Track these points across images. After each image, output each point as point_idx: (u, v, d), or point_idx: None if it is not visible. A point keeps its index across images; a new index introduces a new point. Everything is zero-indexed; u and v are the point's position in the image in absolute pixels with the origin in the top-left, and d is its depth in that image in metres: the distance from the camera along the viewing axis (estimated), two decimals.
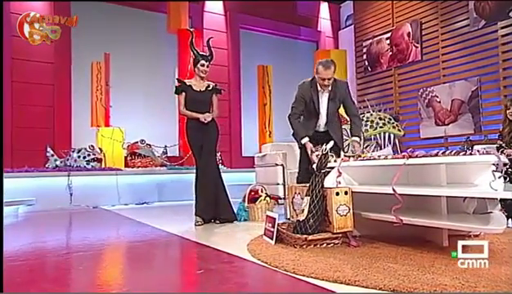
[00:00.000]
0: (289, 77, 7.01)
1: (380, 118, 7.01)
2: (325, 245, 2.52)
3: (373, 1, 8.70)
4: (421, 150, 2.56)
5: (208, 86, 3.95)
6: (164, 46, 7.77)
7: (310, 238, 2.48)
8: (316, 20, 9.62)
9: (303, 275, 1.91)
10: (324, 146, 2.66)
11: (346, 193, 2.54)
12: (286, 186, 4.16)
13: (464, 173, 2.53)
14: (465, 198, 2.41)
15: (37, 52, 6.68)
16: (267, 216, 2.87)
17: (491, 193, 1.94)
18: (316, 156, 3.13)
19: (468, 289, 1.61)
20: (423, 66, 7.67)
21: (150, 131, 7.20)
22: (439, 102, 7.29)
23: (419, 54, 7.68)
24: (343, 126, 6.53)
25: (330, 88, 3.32)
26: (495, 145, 3.73)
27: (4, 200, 4.94)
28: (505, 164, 2.00)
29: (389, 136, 7.05)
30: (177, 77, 6.87)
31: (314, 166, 3.25)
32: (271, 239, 2.67)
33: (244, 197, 4.06)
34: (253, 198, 4.06)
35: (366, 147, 6.58)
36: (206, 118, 3.78)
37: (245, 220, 3.94)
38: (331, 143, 2.73)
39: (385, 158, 2.63)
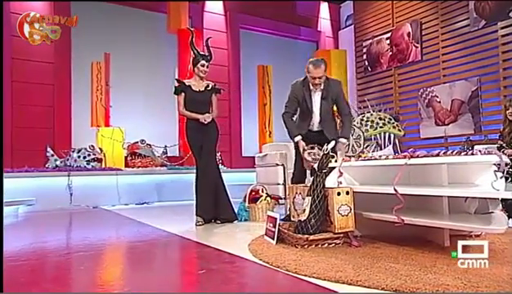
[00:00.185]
0: (290, 78, 6.93)
1: (380, 118, 7.00)
2: (326, 245, 2.52)
3: (373, 1, 8.70)
4: (422, 150, 2.56)
5: (208, 86, 3.94)
6: (164, 46, 7.77)
7: (311, 238, 2.48)
8: (316, 20, 9.62)
9: (305, 275, 1.90)
10: (325, 146, 2.66)
11: (347, 193, 2.54)
12: (287, 186, 4.16)
13: (465, 173, 2.53)
14: (467, 198, 2.41)
15: (37, 52, 6.67)
16: (269, 216, 2.87)
17: (493, 194, 1.94)
18: (308, 154, 3.14)
19: (470, 289, 1.61)
20: (423, 66, 7.67)
21: (150, 131, 7.20)
22: (439, 102, 7.29)
23: (420, 54, 7.68)
24: None
25: (322, 87, 3.32)
26: (495, 145, 3.74)
27: (4, 200, 4.94)
28: (506, 164, 2.00)
29: (389, 136, 7.05)
30: (176, 77, 6.87)
31: (305, 165, 3.27)
32: (273, 239, 2.66)
33: (245, 197, 4.06)
34: (254, 198, 4.05)
35: (367, 147, 6.57)
36: (206, 118, 3.78)
37: (246, 220, 3.94)
38: (332, 143, 2.73)
39: (386, 158, 2.63)
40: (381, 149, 6.62)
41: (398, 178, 2.30)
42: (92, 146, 6.44)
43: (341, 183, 2.65)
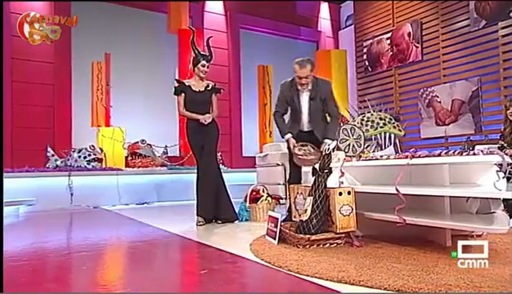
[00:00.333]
0: (290, 78, 7.00)
1: (381, 118, 6.99)
2: (328, 245, 2.52)
3: (373, 1, 8.70)
4: (423, 150, 2.56)
5: (208, 85, 3.94)
6: (165, 46, 7.77)
7: (313, 238, 2.48)
8: (316, 20, 9.62)
9: (307, 275, 1.90)
10: (327, 146, 2.66)
11: (349, 193, 2.54)
12: (287, 186, 4.15)
13: (467, 173, 2.53)
14: (468, 198, 2.41)
15: (37, 52, 6.67)
16: (270, 216, 2.87)
17: (496, 194, 1.94)
18: (299, 149, 3.15)
19: (473, 289, 1.61)
20: (423, 66, 7.67)
21: (151, 131, 7.19)
22: (440, 102, 7.29)
23: (420, 54, 7.69)
24: (343, 127, 6.57)
25: (310, 87, 3.31)
26: (496, 145, 3.74)
27: (4, 200, 4.94)
28: (508, 164, 2.00)
29: (390, 136, 7.04)
30: (176, 77, 6.86)
31: (295, 160, 3.26)
32: (274, 239, 2.66)
33: (246, 197, 4.06)
34: (255, 198, 4.05)
35: (367, 147, 6.57)
36: (206, 119, 3.78)
37: (247, 220, 3.94)
38: (334, 143, 2.73)
39: (388, 158, 2.63)
40: (381, 149, 6.62)
41: (400, 178, 2.30)
42: (93, 146, 6.43)
43: (342, 183, 2.66)
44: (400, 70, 8.12)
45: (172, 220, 4.28)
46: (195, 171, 3.88)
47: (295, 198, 3.03)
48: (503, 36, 6.47)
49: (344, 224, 2.51)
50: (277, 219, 2.72)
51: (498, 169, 2.09)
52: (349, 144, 6.28)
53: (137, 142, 6.75)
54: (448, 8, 7.28)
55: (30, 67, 6.65)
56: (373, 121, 7.03)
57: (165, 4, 7.47)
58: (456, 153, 2.18)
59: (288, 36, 9.22)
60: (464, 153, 2.19)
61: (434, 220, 2.28)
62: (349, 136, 6.26)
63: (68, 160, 6.21)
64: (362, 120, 6.87)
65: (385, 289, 1.67)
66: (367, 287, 1.71)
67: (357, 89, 8.96)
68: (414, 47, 7.80)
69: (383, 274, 1.83)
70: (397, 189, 2.29)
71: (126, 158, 6.72)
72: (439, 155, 2.24)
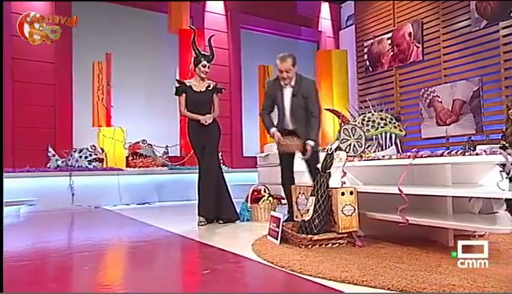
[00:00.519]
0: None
1: (382, 118, 6.97)
2: (330, 245, 2.52)
3: (374, 1, 8.69)
4: (425, 150, 2.56)
5: (209, 86, 3.94)
6: (165, 46, 7.77)
7: (315, 238, 2.48)
8: (316, 20, 9.62)
9: (310, 275, 1.90)
10: (329, 146, 2.66)
11: (351, 193, 2.54)
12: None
13: (469, 173, 2.54)
14: (471, 198, 2.40)
15: (38, 52, 6.67)
16: (272, 216, 2.87)
17: (499, 194, 1.93)
18: (285, 138, 3.25)
19: (476, 289, 1.61)
20: (424, 66, 7.67)
21: (152, 131, 7.19)
22: (440, 102, 7.29)
23: (421, 54, 7.68)
24: (343, 127, 6.55)
25: (293, 84, 3.33)
26: (498, 145, 3.73)
27: (5, 200, 4.93)
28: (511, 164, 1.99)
29: (391, 136, 7.04)
30: (177, 77, 6.86)
31: (280, 147, 3.30)
32: (276, 239, 2.66)
33: (247, 197, 4.06)
34: (256, 198, 4.05)
35: (368, 147, 6.56)
36: (206, 120, 3.78)
37: (248, 220, 3.94)
38: (337, 143, 2.73)
39: (390, 158, 2.63)
40: (382, 149, 6.62)
41: (403, 178, 2.30)
42: (94, 146, 6.43)
43: (345, 183, 2.66)
44: (401, 70, 8.12)
45: (174, 220, 4.27)
46: (196, 171, 3.88)
47: (297, 198, 3.03)
48: (504, 36, 6.47)
49: (347, 224, 2.51)
50: (279, 219, 2.72)
51: (501, 169, 2.09)
52: (350, 144, 6.28)
53: (138, 142, 6.75)
54: (449, 8, 7.28)
55: (31, 67, 6.65)
56: (374, 121, 7.01)
57: (166, 4, 7.47)
58: (459, 153, 2.18)
59: (288, 36, 9.22)
60: (467, 154, 2.19)
61: (437, 220, 2.28)
62: (350, 136, 6.26)
63: (69, 160, 6.21)
64: (363, 120, 6.85)
65: (389, 289, 1.67)
66: (371, 286, 1.71)
67: (358, 89, 8.96)
68: (415, 47, 7.79)
69: (386, 274, 1.83)
70: (399, 189, 2.29)
71: (127, 158, 6.72)
72: (442, 155, 2.24)
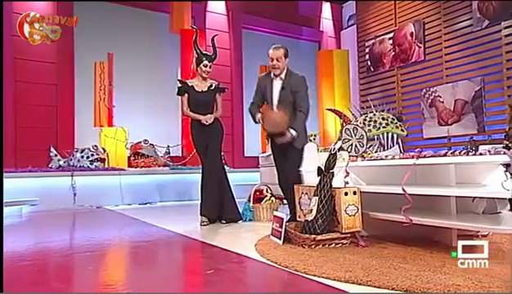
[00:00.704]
0: None
1: (383, 118, 6.98)
2: (333, 245, 2.51)
3: (375, 1, 8.69)
4: (428, 150, 2.56)
5: (211, 85, 3.94)
6: (167, 46, 7.77)
7: (319, 238, 2.47)
8: (318, 20, 9.61)
9: (314, 275, 1.90)
10: (332, 145, 2.66)
11: (354, 193, 2.54)
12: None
13: (472, 173, 2.53)
14: (474, 198, 2.40)
15: (40, 52, 6.68)
16: (275, 215, 2.87)
17: (504, 194, 1.93)
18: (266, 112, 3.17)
19: (481, 289, 1.61)
20: (426, 66, 7.66)
21: (153, 131, 7.19)
22: (442, 102, 7.28)
23: (422, 54, 7.67)
24: (345, 126, 6.55)
25: (283, 77, 3.33)
26: (501, 145, 3.72)
27: (8, 200, 4.95)
28: None
29: (392, 136, 7.03)
30: (179, 77, 6.87)
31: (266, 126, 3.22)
32: (279, 239, 2.66)
33: (250, 197, 4.06)
34: (259, 198, 4.05)
35: (369, 147, 6.57)
36: (207, 120, 3.78)
37: (250, 220, 3.94)
38: (340, 143, 2.73)
39: (393, 158, 2.63)
40: (384, 149, 6.61)
41: (406, 178, 2.30)
42: (96, 146, 6.43)
43: (348, 183, 2.65)
44: (402, 70, 8.11)
45: (176, 220, 4.27)
46: (198, 170, 3.88)
47: (300, 198, 3.03)
48: (506, 36, 6.45)
49: (350, 224, 2.51)
50: (282, 219, 2.71)
51: (505, 169, 2.08)
52: (352, 144, 6.28)
53: (140, 142, 6.75)
54: (451, 8, 7.26)
55: (33, 67, 6.66)
56: (375, 121, 7.02)
57: (167, 4, 7.47)
58: (463, 153, 2.17)
59: (290, 36, 9.21)
60: (471, 153, 2.18)
61: (441, 220, 2.27)
62: (352, 136, 6.26)
63: (71, 160, 6.22)
64: (365, 120, 6.86)
65: (393, 289, 1.67)
66: (375, 287, 1.71)
67: (360, 89, 8.95)
68: (416, 47, 7.78)
69: (390, 274, 1.83)
70: (403, 189, 2.28)
71: (128, 157, 6.72)
72: (445, 155, 2.24)
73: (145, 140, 6.76)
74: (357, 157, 2.92)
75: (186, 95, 3.87)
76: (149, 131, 7.12)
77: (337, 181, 2.69)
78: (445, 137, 7.21)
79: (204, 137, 3.82)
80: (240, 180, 6.06)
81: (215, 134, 3.86)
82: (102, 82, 6.78)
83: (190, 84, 3.91)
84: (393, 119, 7.13)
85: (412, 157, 2.38)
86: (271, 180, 4.57)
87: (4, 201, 4.75)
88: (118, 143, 6.64)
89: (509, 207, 2.42)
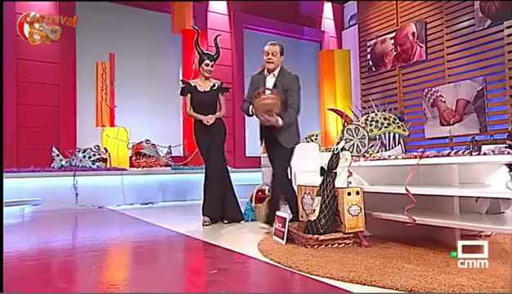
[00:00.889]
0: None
1: (385, 118, 6.98)
2: (336, 245, 2.51)
3: (377, 1, 8.68)
4: (431, 150, 2.55)
5: (214, 85, 3.94)
6: (169, 46, 7.77)
7: (322, 238, 2.47)
8: (319, 20, 9.61)
9: (318, 275, 1.90)
10: (335, 145, 2.66)
11: (358, 193, 2.54)
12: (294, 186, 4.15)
13: (474, 173, 2.53)
14: (478, 198, 2.40)
15: (42, 52, 6.69)
16: (277, 215, 2.87)
17: (508, 194, 1.93)
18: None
19: (486, 289, 1.61)
20: (428, 66, 7.65)
21: (155, 131, 7.20)
22: (444, 102, 7.27)
23: (424, 54, 7.66)
24: (347, 126, 6.55)
25: (276, 74, 3.32)
26: (504, 145, 3.72)
27: (10, 200, 4.96)
28: None
29: (394, 136, 7.03)
30: (181, 78, 6.87)
31: (258, 112, 3.08)
32: (282, 239, 2.66)
33: (252, 197, 4.06)
34: (261, 198, 4.05)
35: (371, 147, 6.57)
36: (209, 120, 3.79)
37: (253, 220, 3.94)
38: (343, 143, 2.72)
39: (396, 158, 2.63)
40: (386, 150, 6.61)
41: (410, 178, 2.30)
42: (97, 146, 6.44)
43: (351, 183, 2.65)
44: (404, 70, 8.10)
45: (178, 220, 4.28)
46: (199, 171, 3.90)
47: (302, 197, 3.03)
48: (508, 35, 6.44)
49: (353, 224, 2.51)
50: (285, 219, 2.71)
51: (509, 169, 2.08)
52: (353, 144, 6.28)
53: (142, 142, 6.75)
54: (453, 8, 7.25)
55: (35, 67, 6.66)
56: (377, 121, 7.02)
57: (169, 4, 7.47)
58: (466, 153, 2.17)
59: (291, 36, 9.21)
60: (474, 153, 2.18)
61: (444, 220, 2.27)
62: (353, 136, 6.26)
63: (73, 160, 6.22)
64: (366, 120, 6.86)
65: (397, 289, 1.67)
66: (379, 287, 1.71)
67: (361, 89, 8.94)
68: (418, 47, 7.77)
69: (394, 274, 1.83)
70: (406, 189, 2.28)
71: (130, 157, 6.72)
72: (448, 155, 2.24)
73: (147, 140, 6.76)
74: (358, 157, 2.92)
75: (189, 95, 3.87)
76: (150, 131, 7.12)
77: (340, 181, 2.69)
78: (447, 137, 7.21)
79: (206, 137, 3.82)
80: (241, 180, 6.05)
81: (218, 134, 3.87)
82: (104, 82, 6.79)
83: (193, 84, 3.92)
84: (395, 119, 7.12)
85: (415, 157, 2.37)
86: None
87: (6, 201, 4.78)
88: (120, 143, 6.64)
89: None
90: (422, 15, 7.75)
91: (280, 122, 3.13)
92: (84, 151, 6.28)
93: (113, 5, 7.43)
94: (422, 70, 7.75)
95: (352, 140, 6.25)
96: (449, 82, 7.23)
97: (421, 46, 7.72)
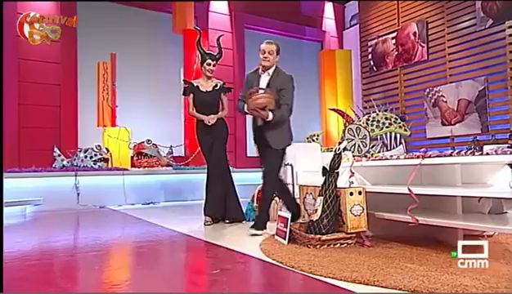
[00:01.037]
0: (294, 77, 6.99)
1: (386, 118, 6.98)
2: (338, 245, 2.51)
3: (378, 0, 8.67)
4: (433, 150, 2.55)
5: (216, 85, 3.94)
6: (170, 46, 7.78)
7: (324, 238, 2.47)
8: (320, 20, 9.60)
9: (320, 275, 1.90)
10: (337, 146, 2.65)
11: (360, 193, 2.54)
12: (296, 186, 4.15)
13: (476, 173, 2.52)
14: (480, 198, 2.39)
15: (43, 52, 6.69)
16: (280, 215, 2.86)
17: (510, 194, 1.92)
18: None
19: (489, 290, 1.60)
20: (429, 66, 7.65)
21: (156, 131, 7.20)
22: (446, 102, 7.26)
23: (426, 53, 7.66)
24: (348, 126, 6.53)
25: (270, 73, 3.31)
26: (506, 145, 3.72)
27: (12, 200, 4.96)
28: None
29: (395, 136, 7.02)
30: (183, 78, 6.87)
31: (251, 106, 3.05)
32: (284, 239, 2.66)
33: (253, 197, 4.05)
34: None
35: (373, 147, 6.56)
36: (210, 120, 3.79)
37: (254, 220, 3.92)
38: (345, 143, 2.72)
39: (398, 158, 2.63)
40: (387, 149, 6.60)
41: (412, 178, 2.29)
42: (99, 146, 6.44)
43: (353, 183, 2.65)
44: (405, 70, 8.10)
45: (180, 219, 4.28)
46: (201, 170, 3.89)
47: (304, 197, 3.03)
48: (510, 35, 6.43)
49: (355, 224, 2.51)
50: (287, 219, 2.71)
51: (511, 169, 2.08)
52: (355, 144, 6.27)
53: (143, 142, 6.76)
54: (454, 7, 7.25)
55: (37, 67, 6.67)
56: (378, 121, 7.01)
57: (170, 4, 7.47)
58: (469, 153, 2.17)
59: (293, 36, 9.21)
60: (477, 153, 2.18)
61: (447, 220, 2.27)
62: (355, 136, 6.26)
63: (74, 160, 6.23)
64: (368, 120, 6.86)
65: (400, 289, 1.66)
66: (382, 287, 1.71)
67: (362, 89, 8.94)
68: (419, 47, 7.77)
69: (397, 275, 1.83)
70: (409, 189, 2.28)
71: (132, 157, 6.73)
72: (451, 155, 2.24)
73: (149, 140, 6.77)
74: (360, 157, 2.91)
75: (192, 95, 3.87)
76: (152, 131, 7.13)
77: (342, 181, 2.69)
78: (448, 137, 7.20)
79: (208, 137, 3.82)
80: (242, 179, 6.04)
81: (220, 134, 3.87)
82: (105, 82, 6.79)
83: (195, 84, 3.92)
84: (396, 119, 7.12)
85: (418, 157, 2.37)
86: None
87: (8, 201, 4.78)
88: (121, 143, 6.65)
89: None
90: (423, 14, 7.75)
91: (271, 115, 3.09)
92: (86, 151, 6.29)
93: (114, 5, 7.43)
94: (423, 70, 7.75)
95: (353, 139, 6.25)
96: (450, 82, 7.23)
97: (422, 46, 7.72)
